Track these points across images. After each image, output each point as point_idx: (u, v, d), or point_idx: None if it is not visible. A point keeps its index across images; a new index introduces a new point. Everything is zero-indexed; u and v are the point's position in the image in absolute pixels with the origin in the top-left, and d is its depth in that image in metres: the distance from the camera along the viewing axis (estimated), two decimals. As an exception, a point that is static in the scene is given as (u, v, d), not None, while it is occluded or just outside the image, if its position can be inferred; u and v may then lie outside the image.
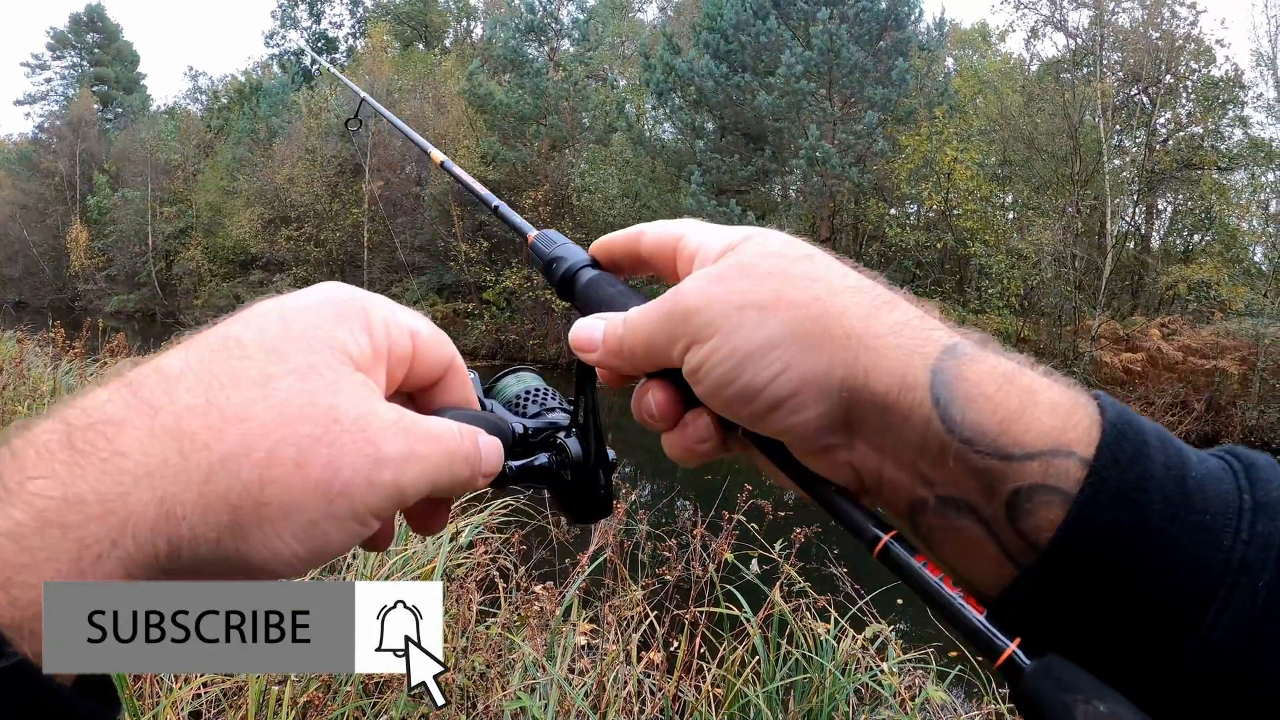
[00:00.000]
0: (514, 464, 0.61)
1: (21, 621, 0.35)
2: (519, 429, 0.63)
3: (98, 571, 0.37)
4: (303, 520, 0.42)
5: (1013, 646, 0.42)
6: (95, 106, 57.90)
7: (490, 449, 0.53)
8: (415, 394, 0.56)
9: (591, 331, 0.57)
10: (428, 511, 0.55)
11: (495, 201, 0.85)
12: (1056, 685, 0.40)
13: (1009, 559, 0.45)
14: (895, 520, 0.50)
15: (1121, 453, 0.43)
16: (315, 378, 0.44)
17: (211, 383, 0.42)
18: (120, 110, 60.17)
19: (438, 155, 1.05)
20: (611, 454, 0.64)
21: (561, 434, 0.65)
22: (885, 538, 0.48)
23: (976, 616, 0.44)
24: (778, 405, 0.48)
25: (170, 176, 44.70)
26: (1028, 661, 0.42)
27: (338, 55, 53.68)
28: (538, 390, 0.71)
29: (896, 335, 0.47)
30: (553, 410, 0.69)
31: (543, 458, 0.64)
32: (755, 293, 0.49)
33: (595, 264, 0.67)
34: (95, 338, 11.62)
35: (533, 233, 0.74)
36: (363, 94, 1.42)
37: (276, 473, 0.41)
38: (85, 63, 62.87)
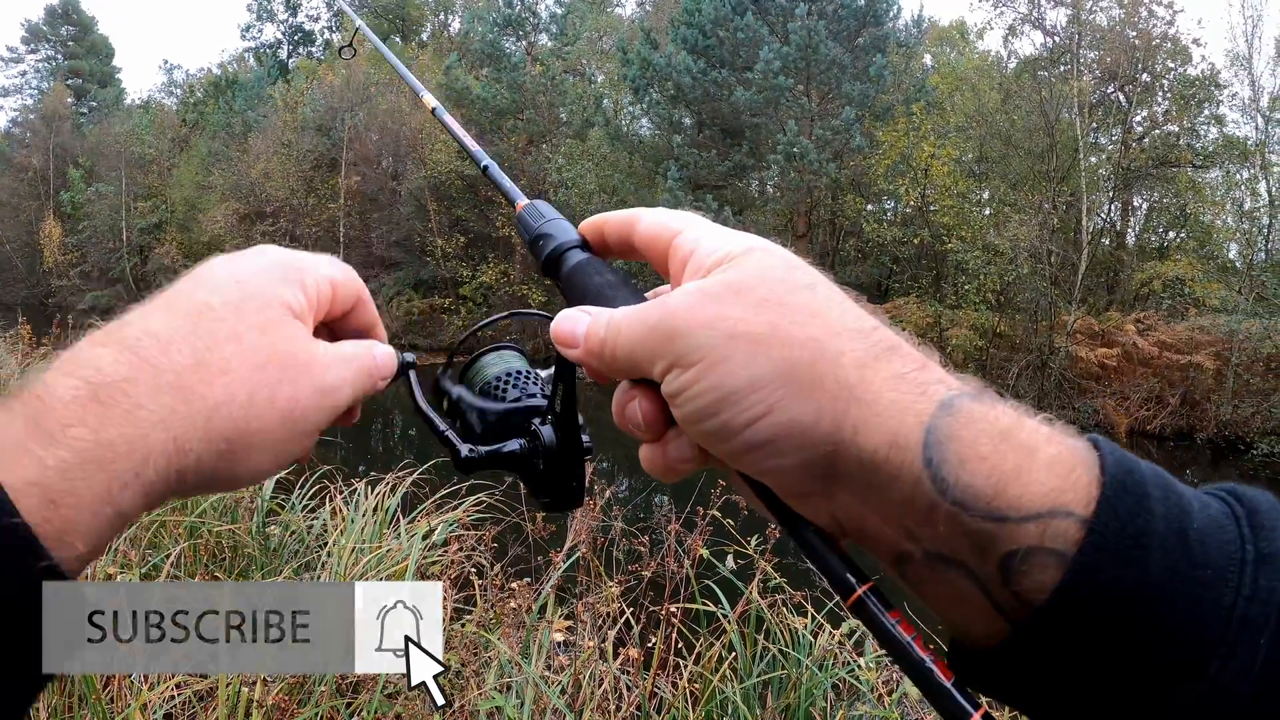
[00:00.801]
0: (484, 449, 0.61)
1: (62, 530, 0.45)
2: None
3: (124, 496, 0.48)
4: (275, 442, 0.55)
5: (976, 716, 0.42)
6: (69, 100, 57.14)
7: (385, 358, 0.65)
8: (331, 322, 0.67)
9: (574, 326, 0.55)
10: (347, 412, 0.65)
11: (485, 160, 0.82)
12: None
13: (1000, 614, 0.44)
14: (878, 563, 0.49)
15: (1121, 507, 0.41)
16: (273, 331, 0.57)
17: (197, 344, 0.53)
18: (95, 104, 59.36)
19: (430, 100, 1.00)
20: (587, 439, 0.62)
21: (536, 420, 0.63)
22: (860, 590, 0.47)
23: (944, 682, 0.44)
24: (755, 448, 0.46)
25: (145, 171, 44.18)
26: None
27: (314, 49, 53.43)
28: (520, 373, 0.70)
29: (893, 389, 0.45)
30: (533, 396, 0.67)
31: (514, 444, 0.62)
32: (748, 323, 0.47)
33: (584, 244, 0.63)
34: (66, 335, 11.58)
35: (522, 201, 0.71)
36: (359, 22, 1.39)
37: (257, 410, 0.54)
38: (60, 56, 62.12)
